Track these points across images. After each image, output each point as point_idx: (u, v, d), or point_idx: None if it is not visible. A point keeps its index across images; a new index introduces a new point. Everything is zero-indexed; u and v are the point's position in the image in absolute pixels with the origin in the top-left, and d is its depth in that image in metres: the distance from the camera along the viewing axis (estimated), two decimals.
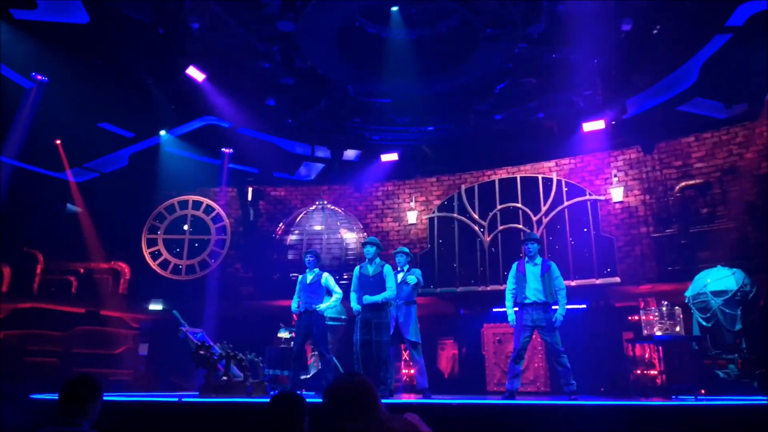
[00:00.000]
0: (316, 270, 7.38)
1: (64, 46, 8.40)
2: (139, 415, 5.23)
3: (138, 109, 9.97)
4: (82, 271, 11.03)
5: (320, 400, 2.34)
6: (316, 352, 8.57)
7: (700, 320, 7.88)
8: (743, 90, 9.03)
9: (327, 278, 7.34)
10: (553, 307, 6.41)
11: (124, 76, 9.18)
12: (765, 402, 4.87)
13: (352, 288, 6.92)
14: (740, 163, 9.17)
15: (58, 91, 9.07)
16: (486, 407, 4.89)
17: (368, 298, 6.62)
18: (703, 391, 6.89)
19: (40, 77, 8.94)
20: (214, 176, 11.76)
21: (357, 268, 7.02)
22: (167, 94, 9.71)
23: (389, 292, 6.65)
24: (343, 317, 9.85)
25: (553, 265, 6.60)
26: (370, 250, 6.90)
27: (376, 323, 6.57)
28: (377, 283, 6.72)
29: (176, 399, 5.57)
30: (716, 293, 7.77)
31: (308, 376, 8.79)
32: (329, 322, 9.54)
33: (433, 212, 11.36)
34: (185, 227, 11.79)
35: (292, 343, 8.01)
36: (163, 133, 10.81)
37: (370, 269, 6.86)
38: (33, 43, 8.18)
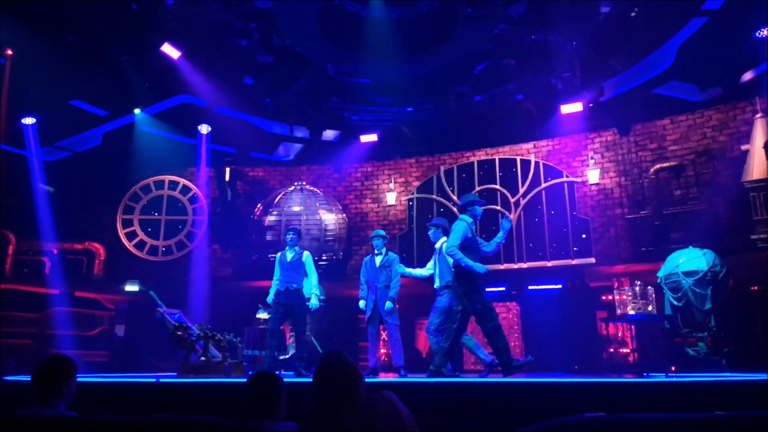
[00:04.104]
0: (297, 248, 7.37)
1: (34, 20, 8.14)
2: (116, 397, 5.19)
3: (111, 87, 9.76)
4: (55, 251, 10.84)
5: (298, 380, 2.36)
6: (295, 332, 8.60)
7: (672, 300, 8.06)
8: (718, 73, 9.15)
9: (308, 257, 7.34)
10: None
11: (97, 53, 8.96)
12: (732, 379, 5.03)
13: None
14: (714, 146, 9.33)
15: (28, 68, 8.81)
16: (460, 385, 4.95)
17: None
18: (673, 369, 7.07)
19: (10, 52, 8.66)
20: (191, 156, 11.57)
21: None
22: (142, 72, 9.51)
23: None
24: (322, 297, 9.87)
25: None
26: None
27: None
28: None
29: (154, 380, 5.54)
30: (687, 273, 7.94)
31: (287, 356, 8.81)
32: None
33: (412, 193, 11.38)
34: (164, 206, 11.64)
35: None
36: (137, 111, 10.59)
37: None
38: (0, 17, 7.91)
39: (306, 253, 7.40)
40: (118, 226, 11.41)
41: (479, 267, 5.76)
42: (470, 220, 6.12)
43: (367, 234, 11.40)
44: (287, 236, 7.43)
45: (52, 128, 10.50)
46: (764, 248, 8.03)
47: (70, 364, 2.94)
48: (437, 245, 6.77)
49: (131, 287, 10.77)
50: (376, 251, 7.19)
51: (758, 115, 8.54)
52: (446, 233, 6.67)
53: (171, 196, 11.72)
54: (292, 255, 7.31)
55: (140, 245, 11.40)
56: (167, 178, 11.78)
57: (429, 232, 6.96)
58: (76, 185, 11.40)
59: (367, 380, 2.58)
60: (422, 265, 7.18)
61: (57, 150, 11.19)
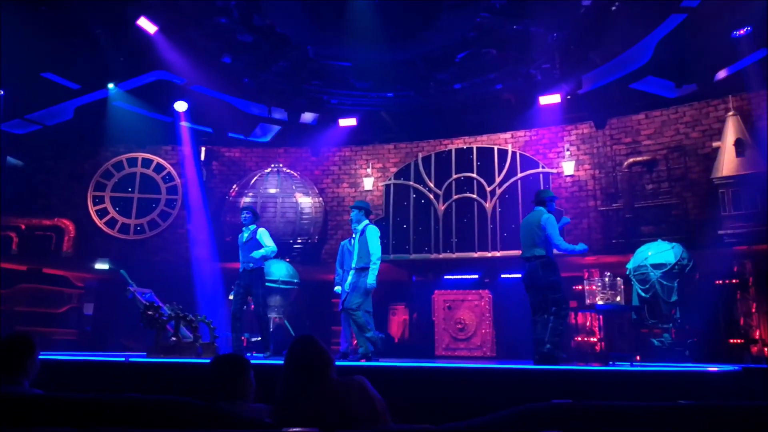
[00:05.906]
0: (252, 227, 7.27)
1: None
2: (84, 375, 5.13)
3: (85, 60, 9.47)
4: (23, 227, 10.60)
5: (269, 362, 2.36)
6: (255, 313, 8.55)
7: (640, 291, 8.25)
8: (693, 70, 9.31)
9: (261, 233, 7.19)
10: None
11: (70, 24, 8.68)
12: (694, 369, 5.18)
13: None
14: (686, 142, 9.51)
15: None
16: (430, 370, 5.01)
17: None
18: (638, 358, 7.25)
19: None
20: (165, 134, 11.35)
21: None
22: (116, 46, 9.25)
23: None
24: (295, 281, 9.86)
25: (370, 230, 6.70)
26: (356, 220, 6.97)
27: None
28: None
29: (123, 359, 5.48)
30: (656, 266, 8.13)
31: (259, 338, 8.79)
32: (282, 286, 9.56)
33: (390, 179, 11.37)
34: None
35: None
36: (111, 86, 10.31)
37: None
38: None
39: (260, 229, 7.25)
40: (89, 202, 11.18)
41: (581, 246, 6.35)
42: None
43: (344, 219, 11.40)
44: (242, 215, 7.35)
45: (22, 101, 10.19)
46: (731, 244, 8.26)
47: (30, 342, 2.89)
48: (359, 227, 6.75)
49: (101, 265, 10.58)
50: (353, 234, 7.15)
51: (730, 113, 8.72)
52: (368, 215, 6.84)
53: (144, 174, 11.51)
54: (247, 234, 7.22)
55: (111, 223, 11.19)
56: (140, 155, 11.55)
57: (351, 214, 6.90)
58: (46, 160, 11.12)
59: (337, 364, 2.60)
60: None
61: (27, 123, 10.87)
